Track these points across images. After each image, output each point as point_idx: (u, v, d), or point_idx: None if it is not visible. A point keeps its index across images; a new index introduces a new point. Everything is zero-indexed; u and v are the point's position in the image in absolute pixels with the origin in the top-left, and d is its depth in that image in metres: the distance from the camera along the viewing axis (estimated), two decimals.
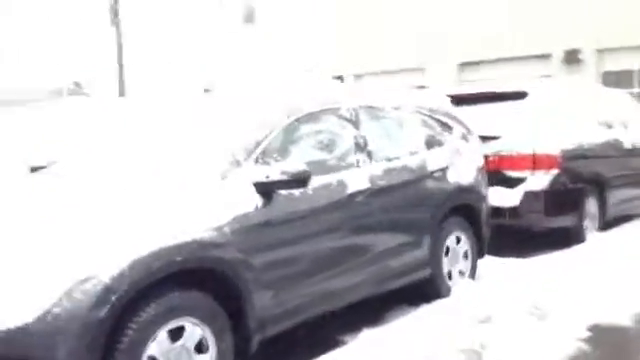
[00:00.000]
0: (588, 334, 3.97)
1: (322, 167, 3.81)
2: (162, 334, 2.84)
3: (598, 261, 5.53)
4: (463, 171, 4.96)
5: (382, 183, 4.16)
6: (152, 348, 2.80)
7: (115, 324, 2.67)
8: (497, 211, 5.87)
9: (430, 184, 4.58)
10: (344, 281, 3.81)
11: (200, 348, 3.02)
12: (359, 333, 4.01)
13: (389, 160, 4.33)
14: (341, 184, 3.86)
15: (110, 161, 3.71)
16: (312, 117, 3.92)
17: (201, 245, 2.98)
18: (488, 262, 5.68)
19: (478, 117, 5.99)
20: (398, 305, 4.63)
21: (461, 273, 4.91)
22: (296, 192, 3.52)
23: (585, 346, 3.81)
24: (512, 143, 6.10)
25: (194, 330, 2.97)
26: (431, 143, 4.79)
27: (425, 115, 4.89)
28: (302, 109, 3.87)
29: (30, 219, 2.91)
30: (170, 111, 4.39)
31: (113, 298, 2.63)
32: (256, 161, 3.45)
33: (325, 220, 3.70)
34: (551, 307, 4.42)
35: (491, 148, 6.02)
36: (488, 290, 4.77)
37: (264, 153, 3.51)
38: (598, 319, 4.21)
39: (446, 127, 5.07)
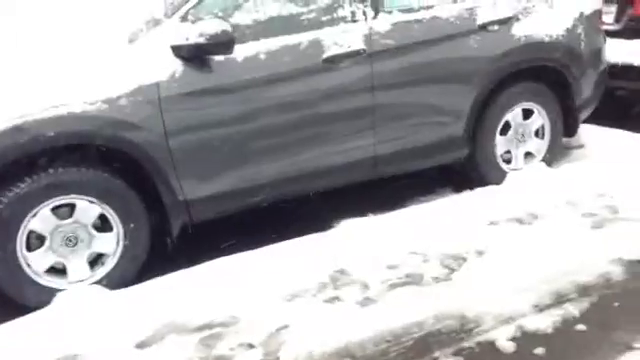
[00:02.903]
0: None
1: (292, 24, 3.12)
2: (44, 211, 2.72)
3: None
4: (545, 21, 3.71)
5: (387, 43, 3.28)
6: (33, 223, 2.72)
7: None
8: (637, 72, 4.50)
9: (477, 41, 3.50)
10: (308, 164, 3.21)
11: (104, 227, 2.88)
12: (348, 220, 3.49)
13: (409, 11, 3.40)
14: (314, 46, 3.14)
15: None
16: None
17: (80, 119, 2.69)
18: (607, 137, 4.43)
19: None
20: (430, 190, 3.88)
21: (529, 155, 3.88)
22: (238, 57, 2.96)
23: (616, 273, 2.78)
24: None
25: (89, 208, 2.80)
26: None
27: None
28: None
29: None
30: None
31: None
32: (184, 19, 2.93)
33: (282, 92, 3.05)
34: (630, 209, 3.30)
35: None
36: (558, 179, 3.71)
37: (200, 8, 2.94)
38: None
39: None
